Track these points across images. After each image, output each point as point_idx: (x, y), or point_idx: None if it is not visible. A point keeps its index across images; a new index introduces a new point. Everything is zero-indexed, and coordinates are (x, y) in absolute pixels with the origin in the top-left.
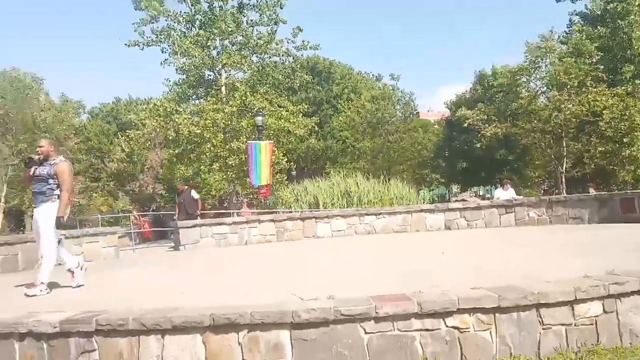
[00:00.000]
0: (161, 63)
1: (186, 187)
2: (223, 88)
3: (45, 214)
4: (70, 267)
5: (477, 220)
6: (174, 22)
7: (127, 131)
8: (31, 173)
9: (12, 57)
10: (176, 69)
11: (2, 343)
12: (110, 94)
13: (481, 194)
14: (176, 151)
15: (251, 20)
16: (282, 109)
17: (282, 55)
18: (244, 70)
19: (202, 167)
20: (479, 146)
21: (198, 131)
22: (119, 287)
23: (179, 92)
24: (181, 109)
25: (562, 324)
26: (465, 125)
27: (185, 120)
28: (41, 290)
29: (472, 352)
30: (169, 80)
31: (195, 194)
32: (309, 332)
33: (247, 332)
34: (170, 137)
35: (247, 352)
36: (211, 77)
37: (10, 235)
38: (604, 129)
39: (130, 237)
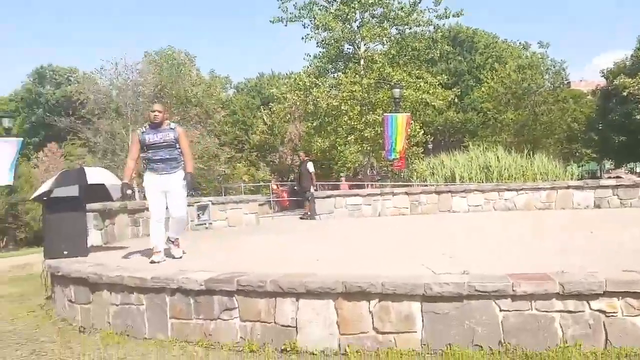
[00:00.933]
0: (303, 38)
1: (306, 158)
2: (362, 61)
3: (180, 179)
4: (173, 236)
5: (633, 199)
6: None
7: (270, 105)
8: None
9: (169, 36)
10: (317, 43)
11: (155, 297)
12: (255, 70)
13: (638, 171)
14: (314, 124)
15: None
16: (420, 80)
17: (424, 25)
18: (383, 43)
19: (338, 139)
20: (639, 118)
21: (336, 104)
22: (260, 252)
23: (318, 66)
24: (320, 83)
25: None
26: (625, 94)
27: (324, 94)
28: (184, 251)
29: (619, 338)
30: (310, 55)
31: (311, 167)
32: (441, 305)
33: (379, 301)
34: (309, 110)
35: (378, 321)
36: (350, 50)
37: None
38: None
39: (269, 205)
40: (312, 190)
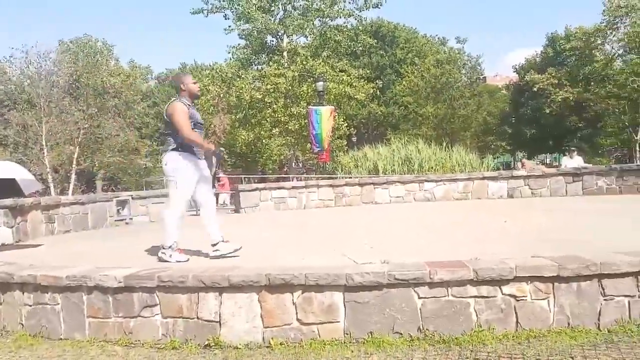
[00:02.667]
0: (225, 29)
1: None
2: (285, 53)
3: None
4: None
5: (542, 188)
6: None
7: None
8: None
9: (86, 25)
10: (239, 34)
11: (71, 295)
12: (177, 61)
13: (548, 162)
14: (238, 116)
15: None
16: (343, 73)
17: (345, 16)
18: (306, 35)
19: (262, 132)
20: (548, 112)
21: (259, 96)
22: (182, 247)
23: (241, 58)
24: (243, 75)
25: (626, 296)
26: (535, 90)
27: (247, 86)
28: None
29: (528, 320)
30: (232, 47)
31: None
32: (362, 294)
33: (302, 293)
34: (232, 103)
35: (301, 312)
36: (273, 42)
37: (81, 196)
38: None
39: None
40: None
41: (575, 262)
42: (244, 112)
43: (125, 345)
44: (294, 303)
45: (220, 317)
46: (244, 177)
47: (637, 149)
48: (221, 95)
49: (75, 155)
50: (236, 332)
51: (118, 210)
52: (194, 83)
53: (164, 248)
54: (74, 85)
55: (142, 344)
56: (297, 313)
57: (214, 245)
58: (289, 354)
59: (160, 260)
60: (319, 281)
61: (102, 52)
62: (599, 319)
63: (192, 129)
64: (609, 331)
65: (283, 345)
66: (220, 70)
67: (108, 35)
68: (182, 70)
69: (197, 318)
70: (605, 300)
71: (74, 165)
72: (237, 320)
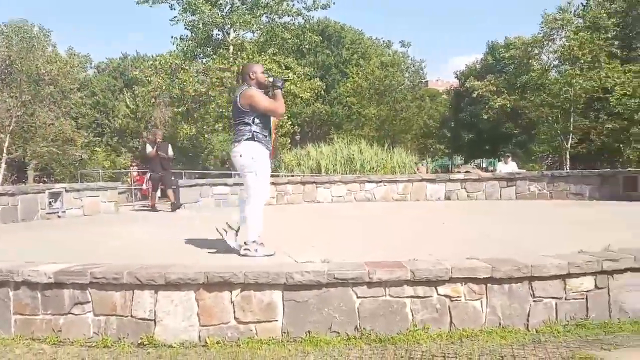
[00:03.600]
0: (170, 20)
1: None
2: (231, 47)
3: None
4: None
5: (478, 192)
6: None
7: (133, 87)
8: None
9: (22, 10)
10: (184, 26)
11: None
12: (118, 50)
13: (484, 166)
14: (180, 109)
15: None
16: (289, 71)
17: (293, 15)
18: (253, 31)
19: (205, 126)
20: (485, 118)
21: (203, 90)
22: (118, 242)
23: (186, 50)
24: (187, 67)
25: (553, 297)
26: (474, 96)
27: (191, 78)
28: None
29: (462, 320)
30: (177, 38)
31: (170, 150)
32: (302, 293)
33: (241, 291)
34: (175, 95)
35: (239, 311)
36: (219, 36)
37: (11, 186)
38: (613, 105)
39: (130, 193)
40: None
41: (508, 264)
42: (187, 105)
43: (54, 344)
44: (232, 301)
45: (155, 315)
46: (184, 172)
47: (568, 156)
48: (164, 87)
49: (6, 144)
50: (171, 331)
51: (50, 203)
52: (262, 73)
53: (246, 244)
54: (6, 71)
55: (72, 343)
56: (235, 312)
57: (245, 243)
58: (225, 353)
59: (245, 256)
60: (258, 279)
61: (38, 38)
62: (528, 320)
63: (260, 116)
64: (537, 331)
65: (219, 344)
66: (163, 62)
67: (46, 21)
68: (124, 60)
69: (132, 316)
70: (534, 301)
71: (4, 154)
72: (172, 319)
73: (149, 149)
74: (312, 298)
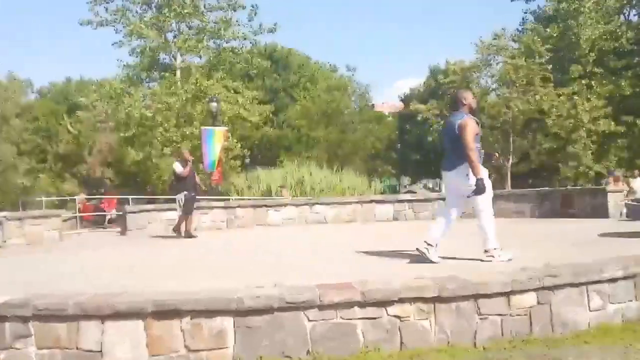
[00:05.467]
0: (113, 44)
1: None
2: (178, 72)
3: None
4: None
5: (425, 212)
6: (129, 3)
7: (77, 112)
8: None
9: None
10: (130, 51)
11: None
12: (62, 74)
13: (430, 186)
14: (127, 134)
15: (209, 4)
16: (238, 95)
17: (239, 39)
18: (200, 55)
19: (153, 151)
20: (430, 139)
21: (150, 114)
22: (60, 271)
23: (131, 75)
24: (133, 92)
25: (499, 314)
26: (419, 119)
27: (137, 103)
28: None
29: (412, 340)
30: (122, 62)
31: (178, 167)
32: (253, 319)
33: (190, 319)
34: (121, 120)
35: (189, 338)
36: (166, 60)
37: None
38: (550, 126)
39: (76, 220)
40: (181, 195)
41: (454, 282)
42: (133, 130)
43: None
44: (182, 330)
45: (102, 346)
46: (132, 198)
47: (509, 175)
48: (109, 112)
49: None
50: None
51: None
52: (473, 98)
53: (487, 251)
54: None
55: None
56: (185, 340)
57: (486, 250)
58: None
59: (487, 261)
60: (209, 306)
61: None
62: (475, 337)
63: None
64: (484, 348)
65: None
66: (108, 86)
67: None
68: (68, 84)
69: (77, 348)
70: (480, 318)
71: None
72: (120, 349)
73: (179, 168)
74: (264, 323)
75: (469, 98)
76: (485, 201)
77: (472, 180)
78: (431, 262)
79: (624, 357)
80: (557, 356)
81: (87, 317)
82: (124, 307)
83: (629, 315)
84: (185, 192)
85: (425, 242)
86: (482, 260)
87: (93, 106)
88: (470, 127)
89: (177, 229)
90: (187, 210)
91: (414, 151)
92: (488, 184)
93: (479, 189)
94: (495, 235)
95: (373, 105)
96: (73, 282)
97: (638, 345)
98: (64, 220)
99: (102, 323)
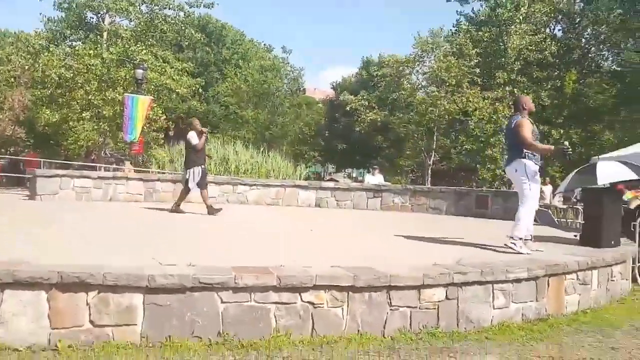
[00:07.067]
0: None
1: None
2: (105, 34)
3: None
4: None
5: (347, 201)
6: None
7: None
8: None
9: None
10: (55, 5)
11: None
12: None
13: (354, 175)
14: (42, 93)
15: None
16: (166, 65)
17: (175, 9)
18: (131, 19)
19: (71, 114)
20: (357, 130)
21: (69, 75)
22: None
23: (54, 31)
24: (53, 49)
25: (408, 307)
26: (347, 109)
27: (55, 62)
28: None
29: (323, 327)
30: (45, 16)
31: (193, 138)
32: (164, 297)
33: (98, 293)
34: (37, 78)
35: (95, 313)
36: (94, 20)
37: None
38: (472, 128)
39: None
40: (197, 169)
41: (369, 273)
42: (50, 90)
43: None
44: (88, 303)
45: (1, 316)
46: (44, 161)
47: (430, 172)
48: (26, 68)
49: None
50: (18, 333)
51: None
52: (531, 103)
53: (513, 238)
54: None
55: None
56: (90, 314)
57: (512, 237)
58: (77, 358)
59: (508, 248)
60: (118, 281)
61: None
62: (384, 327)
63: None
64: (392, 339)
65: (71, 349)
66: (26, 41)
67: None
68: None
69: None
70: (391, 309)
71: None
72: (20, 320)
73: (195, 139)
74: (175, 302)
75: (528, 103)
76: (528, 194)
77: (522, 173)
78: (520, 254)
79: (520, 353)
80: (460, 350)
81: None
82: (25, 276)
83: (529, 315)
84: (203, 166)
85: (510, 237)
86: (505, 245)
87: (8, 59)
88: (527, 126)
89: (177, 206)
90: (203, 185)
91: (340, 140)
92: (533, 178)
93: (564, 153)
94: (525, 229)
95: (305, 90)
96: None
97: (532, 343)
98: None
99: (2, 292)
